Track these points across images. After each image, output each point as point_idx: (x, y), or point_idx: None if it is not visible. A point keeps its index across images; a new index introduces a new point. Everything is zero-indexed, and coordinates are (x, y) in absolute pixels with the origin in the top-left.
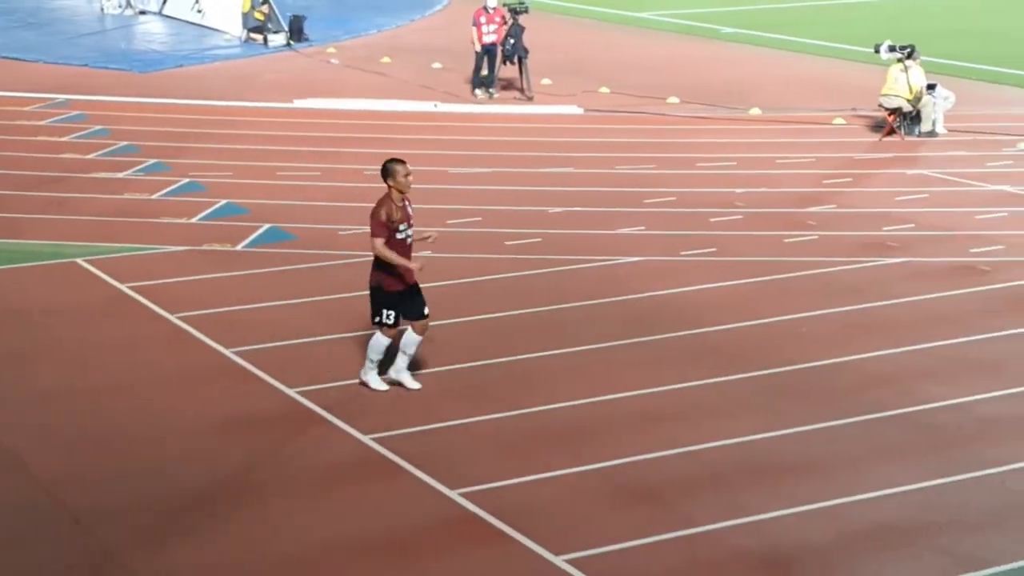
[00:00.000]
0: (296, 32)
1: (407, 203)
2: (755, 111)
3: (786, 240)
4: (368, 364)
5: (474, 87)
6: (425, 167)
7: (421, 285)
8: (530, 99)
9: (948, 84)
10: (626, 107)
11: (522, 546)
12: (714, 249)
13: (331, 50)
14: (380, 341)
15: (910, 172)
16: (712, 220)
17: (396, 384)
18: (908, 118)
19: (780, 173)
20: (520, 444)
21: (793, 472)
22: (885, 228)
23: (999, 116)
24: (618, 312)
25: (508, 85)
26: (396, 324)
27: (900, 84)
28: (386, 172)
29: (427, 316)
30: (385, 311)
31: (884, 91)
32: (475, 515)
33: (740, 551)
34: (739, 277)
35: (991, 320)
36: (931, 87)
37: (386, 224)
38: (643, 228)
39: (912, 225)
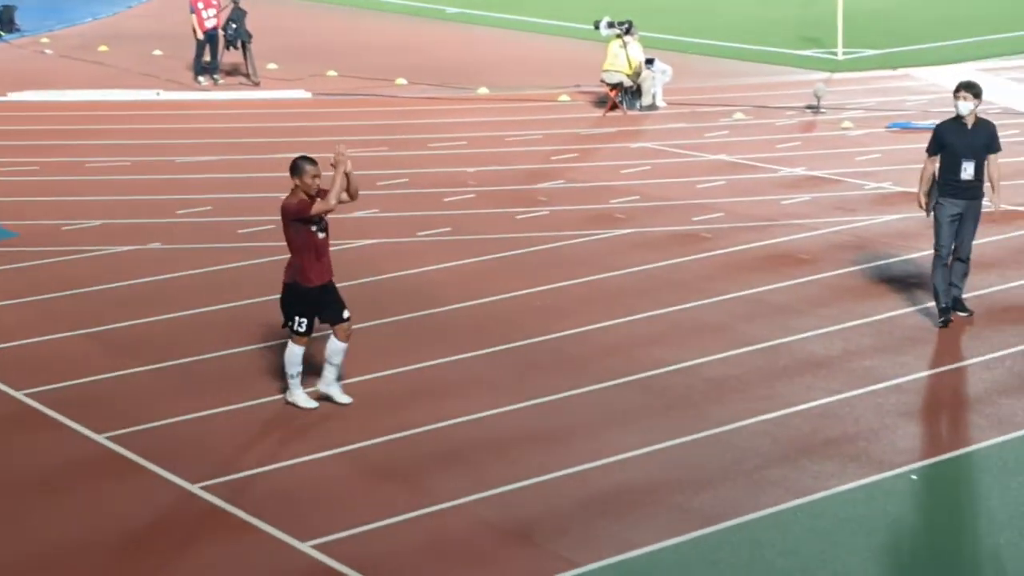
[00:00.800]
0: (6, 22)
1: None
2: (483, 90)
3: (518, 216)
4: (290, 382)
5: (197, 74)
6: (150, 157)
7: (337, 283)
8: (256, 84)
9: (665, 58)
10: (355, 90)
11: (267, 535)
12: (449, 228)
13: (44, 40)
14: (294, 352)
15: (633, 145)
16: (446, 200)
17: (326, 399)
18: (629, 93)
19: (510, 151)
20: (261, 433)
21: (534, 443)
22: (612, 201)
23: (715, 88)
24: (356, 295)
25: (233, 71)
26: (308, 333)
27: (620, 60)
28: (294, 169)
29: (347, 319)
30: (297, 318)
31: (605, 67)
32: (218, 507)
33: (484, 523)
34: (475, 255)
35: (714, 284)
36: (649, 62)
37: (306, 206)
38: (377, 211)
39: (637, 197)
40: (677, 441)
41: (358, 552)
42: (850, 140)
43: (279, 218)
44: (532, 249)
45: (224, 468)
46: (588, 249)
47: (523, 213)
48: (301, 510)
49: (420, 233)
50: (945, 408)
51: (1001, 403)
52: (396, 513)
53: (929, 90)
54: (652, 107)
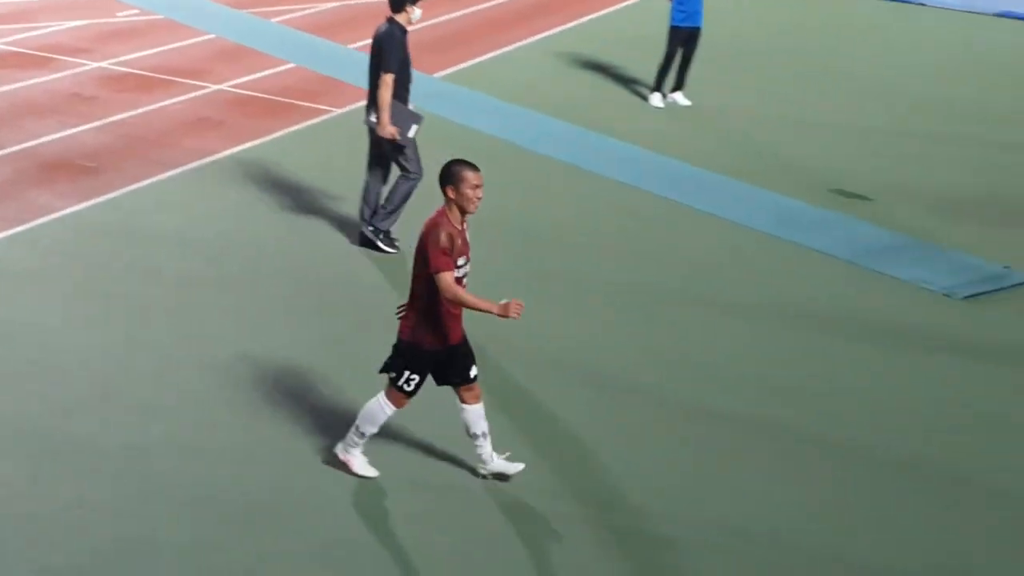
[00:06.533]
0: None
1: (465, 227)
2: None
3: None
4: (354, 438)
5: None
6: None
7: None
8: None
9: None
10: None
11: None
12: None
13: None
14: (384, 411)
15: None
16: None
17: (498, 476)
18: None
19: None
20: None
21: None
22: None
23: None
24: None
25: None
26: (415, 393)
27: None
28: (449, 177)
29: (475, 379)
30: (409, 373)
31: None
32: None
33: None
34: None
35: None
36: None
37: (450, 252)
38: None
39: None
40: None
41: None
42: None
43: None
44: None
45: None
46: None
47: None
48: None
49: None
50: None
51: None
52: None
53: None
54: None
